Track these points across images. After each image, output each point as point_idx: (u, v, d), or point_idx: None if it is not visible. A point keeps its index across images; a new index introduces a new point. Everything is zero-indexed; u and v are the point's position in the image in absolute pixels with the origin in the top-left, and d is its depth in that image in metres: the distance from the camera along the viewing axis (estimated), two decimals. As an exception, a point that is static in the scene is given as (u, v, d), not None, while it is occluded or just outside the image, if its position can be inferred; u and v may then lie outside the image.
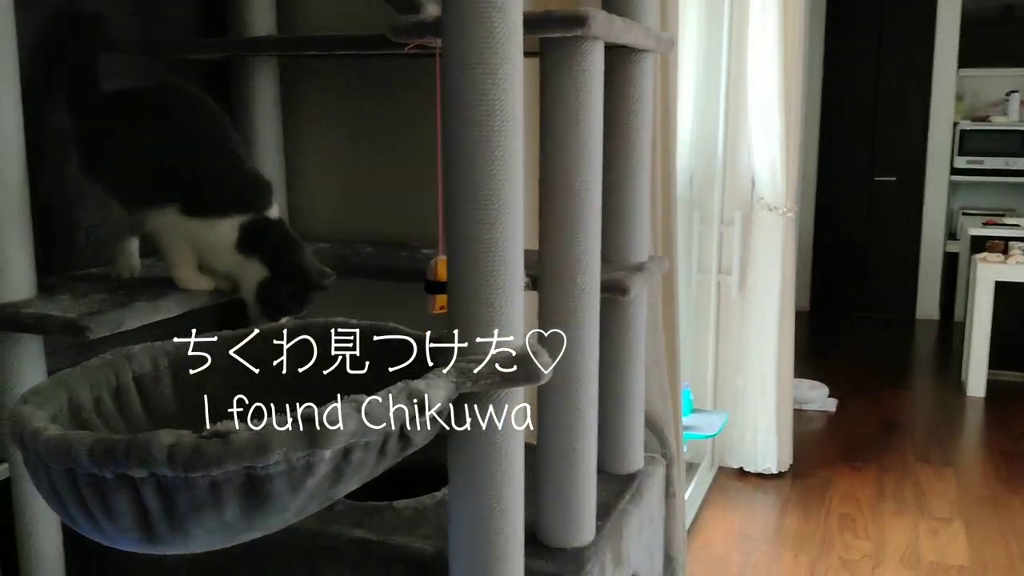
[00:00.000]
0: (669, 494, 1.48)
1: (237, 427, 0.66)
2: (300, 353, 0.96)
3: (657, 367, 1.43)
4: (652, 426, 1.45)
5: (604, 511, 1.15)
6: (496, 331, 0.82)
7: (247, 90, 1.44)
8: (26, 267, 1.03)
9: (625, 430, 1.26)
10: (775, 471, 3.42)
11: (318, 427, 0.68)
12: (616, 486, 1.23)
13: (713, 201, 3.42)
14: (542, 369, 0.81)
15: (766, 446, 3.44)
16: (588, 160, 1.02)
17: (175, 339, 0.94)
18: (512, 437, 0.85)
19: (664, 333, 1.51)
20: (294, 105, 1.54)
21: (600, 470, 1.28)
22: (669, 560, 1.48)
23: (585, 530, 1.08)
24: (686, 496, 3.13)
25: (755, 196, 3.40)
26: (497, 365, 0.80)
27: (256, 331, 0.97)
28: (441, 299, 1.04)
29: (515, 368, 0.81)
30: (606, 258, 1.25)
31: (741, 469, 3.48)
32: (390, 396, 0.72)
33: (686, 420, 3.11)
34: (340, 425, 0.68)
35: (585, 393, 1.05)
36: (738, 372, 3.49)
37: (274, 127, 1.47)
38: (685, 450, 3.18)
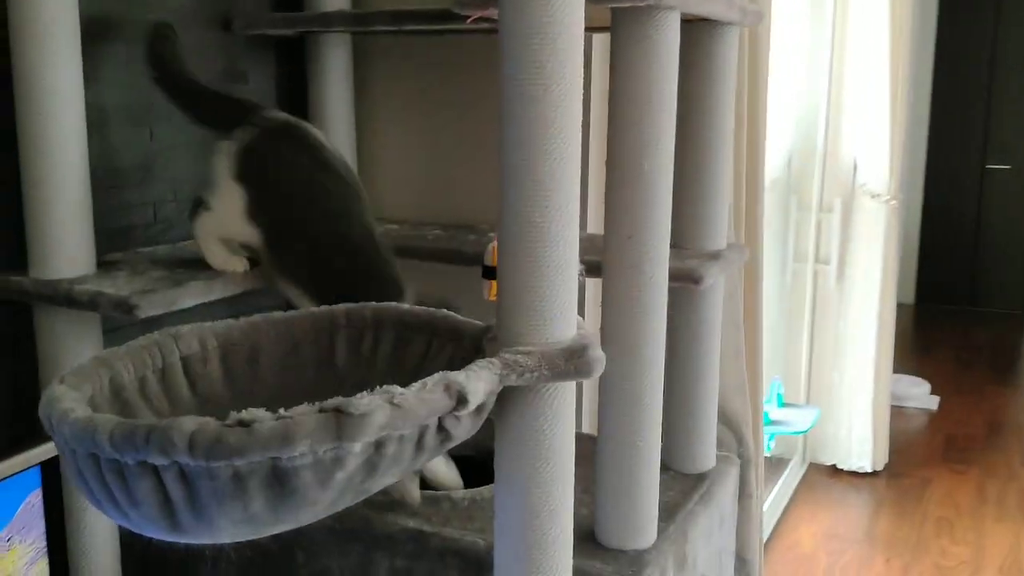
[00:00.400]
0: (745, 495, 1.41)
1: (262, 416, 0.63)
2: (353, 338, 0.93)
3: (735, 362, 1.36)
4: (729, 424, 1.39)
5: (669, 512, 1.10)
6: (546, 321, 0.77)
7: (320, 68, 1.42)
8: (84, 243, 1.03)
9: (696, 427, 1.20)
10: (869, 470, 3.28)
11: (346, 418, 0.64)
12: (684, 486, 1.16)
13: (812, 186, 3.29)
14: (593, 364, 0.76)
15: (861, 443, 3.30)
16: (658, 140, 0.96)
17: (227, 320, 0.92)
18: (561, 434, 0.80)
19: (745, 326, 1.44)
20: (367, 84, 1.52)
21: (668, 468, 1.22)
22: (742, 563, 1.41)
23: (646, 532, 1.02)
24: (773, 493, 3.04)
25: (857, 182, 3.25)
26: (545, 358, 0.75)
27: (311, 312, 0.94)
28: (496, 285, 1.00)
29: (564, 362, 0.76)
30: (680, 245, 1.19)
31: (834, 466, 3.36)
32: (427, 387, 0.68)
33: (775, 415, 3.01)
34: (370, 417, 0.64)
35: (649, 388, 1.00)
36: (834, 366, 3.35)
37: (347, 106, 1.45)
38: (771, 446, 3.07)
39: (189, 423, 0.63)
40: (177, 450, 0.62)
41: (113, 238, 1.18)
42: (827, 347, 3.36)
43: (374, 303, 0.94)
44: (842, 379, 3.33)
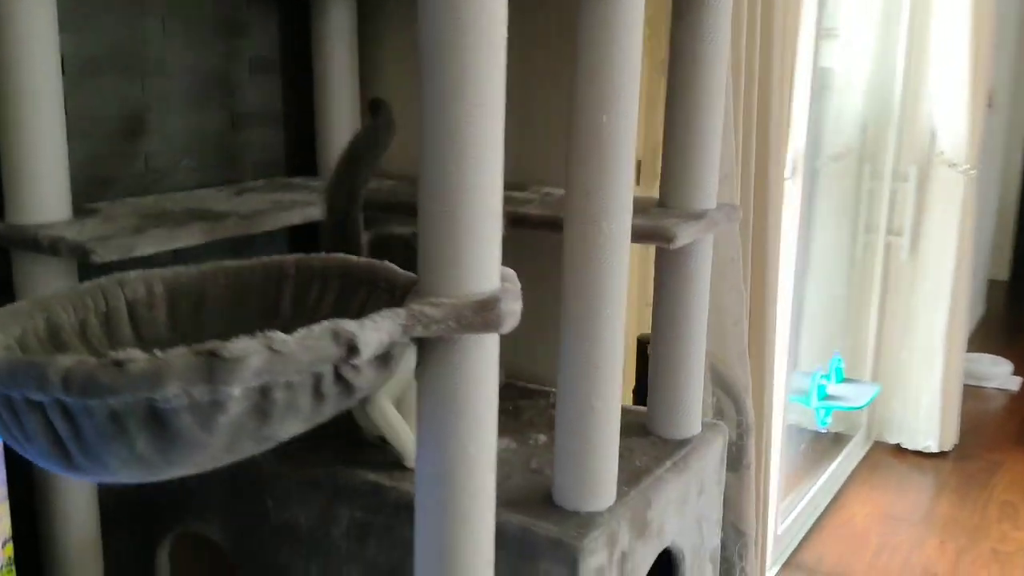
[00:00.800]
0: (744, 465, 1.37)
1: (137, 356, 0.63)
2: (300, 288, 0.93)
3: (736, 328, 1.31)
4: (729, 391, 1.34)
5: (635, 477, 1.07)
6: (461, 273, 0.75)
7: (324, 24, 1.41)
8: (58, 190, 1.05)
9: (678, 393, 1.17)
10: (935, 450, 3.16)
11: (219, 362, 0.64)
12: (660, 452, 1.14)
13: (887, 155, 3.15)
14: (504, 318, 0.74)
15: (928, 423, 3.18)
16: (618, 88, 0.93)
17: (177, 267, 0.93)
18: (479, 387, 0.78)
19: (755, 293, 1.39)
20: (371, 42, 1.51)
21: (649, 433, 1.19)
22: (739, 535, 1.38)
23: (602, 494, 1.00)
24: (830, 470, 2.95)
25: (934, 151, 3.10)
26: (454, 310, 0.73)
27: (262, 261, 0.94)
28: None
29: (473, 314, 0.74)
30: (667, 204, 1.15)
31: (898, 446, 3.25)
32: (312, 334, 0.67)
33: (833, 390, 2.92)
34: (244, 361, 0.64)
35: (607, 349, 0.97)
36: (903, 343, 3.23)
37: (351, 63, 1.44)
38: (827, 421, 2.96)
39: (67, 360, 0.64)
40: (53, 387, 0.63)
41: (100, 186, 1.20)
42: (897, 322, 3.23)
43: (324, 254, 0.94)
44: (911, 356, 3.21)
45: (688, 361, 1.16)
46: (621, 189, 0.95)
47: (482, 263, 0.76)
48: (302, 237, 1.42)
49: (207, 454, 0.70)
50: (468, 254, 0.75)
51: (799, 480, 2.92)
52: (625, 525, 1.00)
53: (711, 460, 1.19)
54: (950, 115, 3.03)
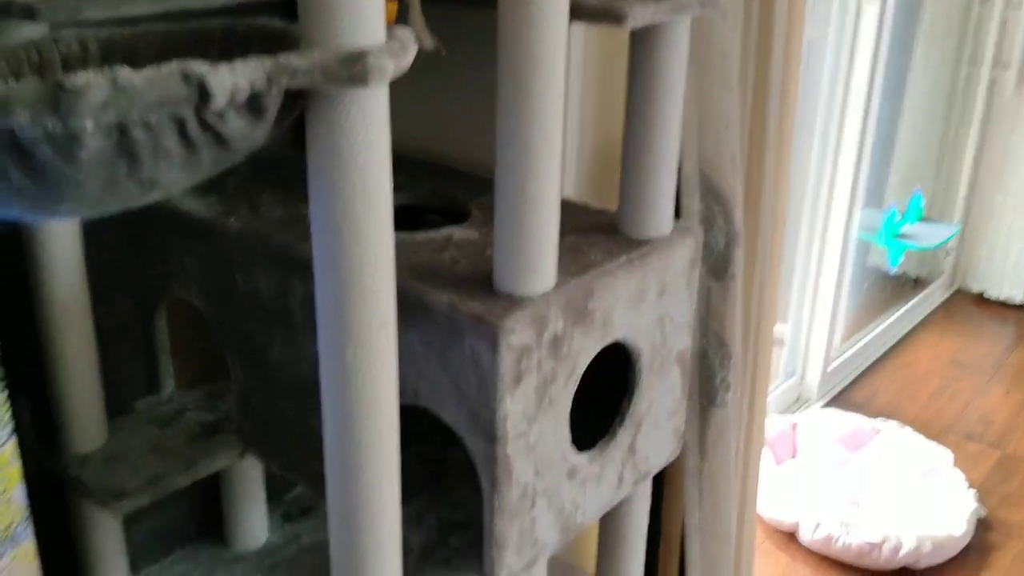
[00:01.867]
0: (729, 275, 1.34)
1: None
2: (225, 54, 0.93)
3: (728, 133, 1.25)
4: (718, 199, 1.30)
5: (583, 269, 1.06)
6: (340, 24, 0.74)
7: None
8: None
9: (646, 192, 1.14)
10: (1019, 301, 3.02)
11: (63, 92, 0.65)
12: (616, 248, 1.12)
13: (1001, -23, 2.89)
14: (371, 73, 0.73)
15: (1016, 272, 3.03)
16: None
17: (111, 28, 0.94)
18: (364, 148, 0.78)
19: (755, 92, 1.31)
20: None
21: (616, 231, 1.18)
22: (721, 344, 1.36)
23: (537, 280, 1.00)
24: (898, 313, 2.86)
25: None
26: (320, 61, 0.72)
27: (192, 26, 0.95)
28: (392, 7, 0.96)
29: (339, 67, 0.73)
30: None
31: (981, 295, 3.11)
32: (160, 72, 0.68)
33: (908, 229, 2.79)
34: (86, 93, 0.65)
35: (540, 132, 0.94)
36: (998, 186, 3.04)
37: None
38: (899, 260, 2.83)
39: (-74, 87, 0.66)
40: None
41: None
42: (994, 163, 3.04)
43: (249, 20, 0.93)
44: (1005, 200, 3.03)
45: (657, 160, 1.12)
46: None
47: (359, 17, 0.74)
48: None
49: (87, 192, 0.73)
50: (344, 5, 0.74)
51: (863, 320, 2.85)
52: (557, 310, 1.00)
53: (677, 261, 1.16)
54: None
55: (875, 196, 2.76)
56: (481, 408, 0.98)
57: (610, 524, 1.30)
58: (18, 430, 1.11)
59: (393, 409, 0.88)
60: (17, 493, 1.10)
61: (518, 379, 0.97)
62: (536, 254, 0.99)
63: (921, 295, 2.97)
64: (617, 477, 1.17)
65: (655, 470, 1.25)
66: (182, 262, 1.25)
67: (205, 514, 1.51)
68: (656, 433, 1.22)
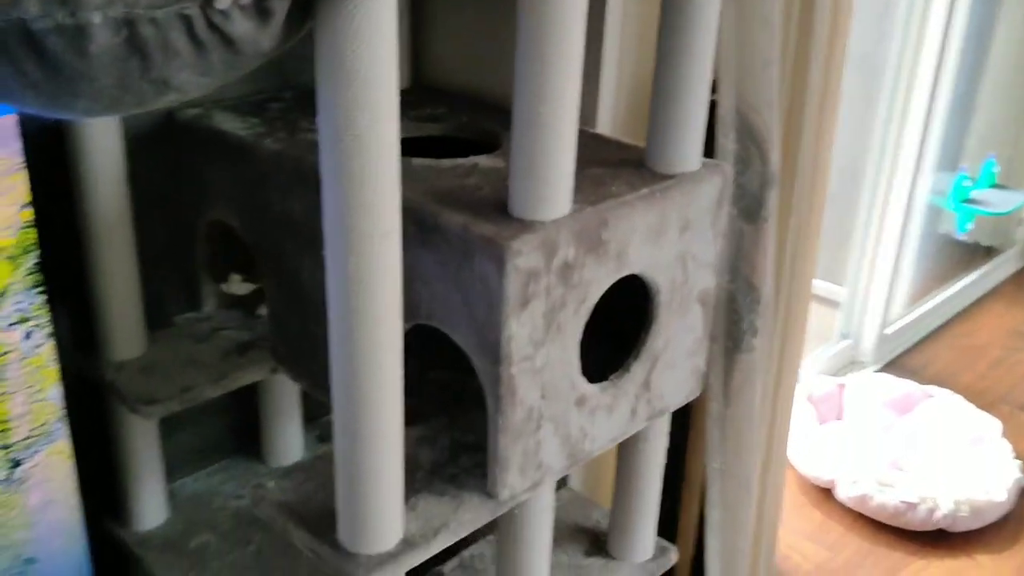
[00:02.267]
0: (762, 218, 1.32)
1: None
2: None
3: (766, 72, 1.23)
4: (754, 140, 1.28)
5: (601, 199, 1.06)
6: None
7: None
8: None
9: (671, 125, 1.13)
10: (1093, 274, 2.91)
11: (69, -16, 0.68)
12: (639, 181, 1.12)
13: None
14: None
15: (1092, 245, 2.91)
16: None
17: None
18: (375, 59, 0.79)
19: (799, 29, 1.29)
20: None
21: (642, 166, 1.17)
22: (750, 288, 1.35)
23: (549, 206, 1.00)
24: (963, 282, 2.79)
25: None
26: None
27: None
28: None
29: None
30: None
31: (1056, 266, 3.01)
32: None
33: (978, 194, 2.70)
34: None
35: (556, 49, 0.94)
36: (1082, 153, 2.92)
37: None
38: (967, 227, 2.74)
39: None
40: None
41: None
42: (1079, 131, 2.92)
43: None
44: (1088, 170, 2.91)
45: (685, 93, 1.11)
46: None
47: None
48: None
49: (100, 88, 0.76)
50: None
51: (929, 287, 2.78)
52: (569, 236, 1.01)
53: (703, 198, 1.16)
54: None
55: (951, 160, 2.68)
56: (488, 329, 0.99)
57: (626, 459, 1.31)
58: (57, 336, 1.17)
59: (396, 320, 0.90)
60: (53, 392, 1.16)
61: (525, 302, 0.98)
62: (549, 179, 1.00)
63: (990, 264, 2.88)
64: (630, 410, 1.18)
65: (672, 408, 1.25)
66: (220, 182, 1.29)
67: (243, 430, 1.56)
68: (673, 371, 1.22)
